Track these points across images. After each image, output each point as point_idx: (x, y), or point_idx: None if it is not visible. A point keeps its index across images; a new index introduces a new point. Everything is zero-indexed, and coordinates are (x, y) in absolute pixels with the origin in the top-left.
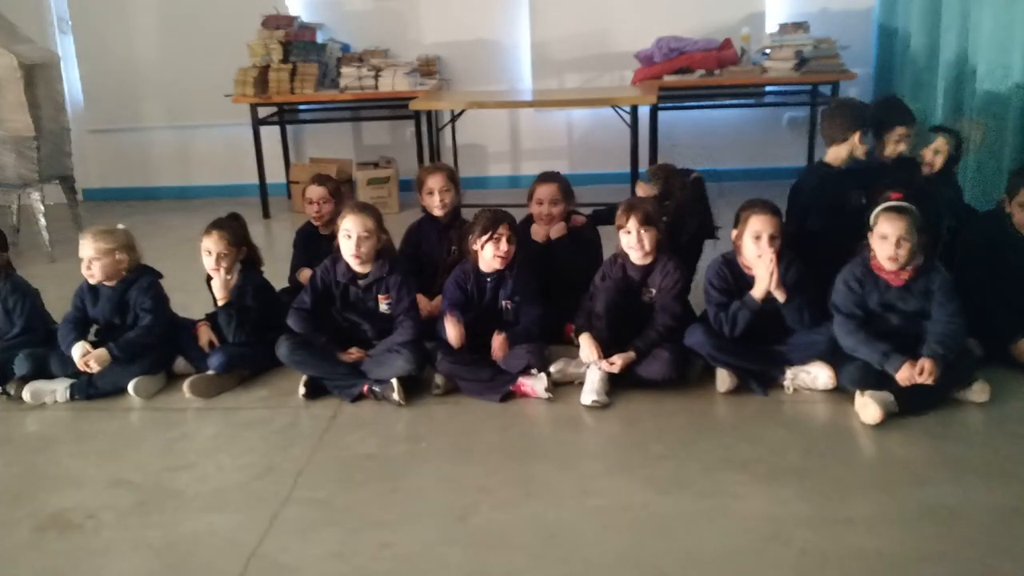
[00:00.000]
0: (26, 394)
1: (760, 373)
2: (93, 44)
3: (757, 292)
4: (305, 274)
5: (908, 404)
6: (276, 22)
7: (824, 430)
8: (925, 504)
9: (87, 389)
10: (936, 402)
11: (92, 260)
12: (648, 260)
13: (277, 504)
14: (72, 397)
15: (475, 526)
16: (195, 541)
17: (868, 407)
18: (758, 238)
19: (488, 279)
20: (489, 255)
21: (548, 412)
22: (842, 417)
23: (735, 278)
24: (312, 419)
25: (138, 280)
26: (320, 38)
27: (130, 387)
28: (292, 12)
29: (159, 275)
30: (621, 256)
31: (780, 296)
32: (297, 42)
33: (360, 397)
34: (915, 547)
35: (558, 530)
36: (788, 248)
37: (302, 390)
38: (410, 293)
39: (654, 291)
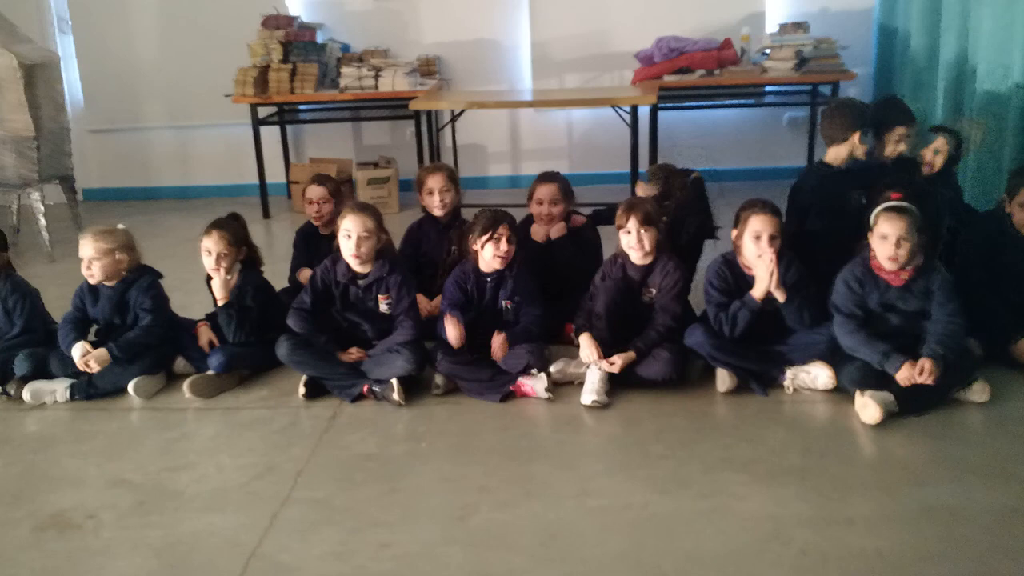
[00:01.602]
0: (26, 394)
1: (760, 373)
2: (93, 44)
3: (757, 292)
4: (305, 274)
5: (908, 404)
6: (276, 22)
7: (824, 430)
8: (925, 504)
9: (87, 389)
10: (936, 402)
11: (92, 260)
12: (648, 260)
13: (277, 504)
14: (72, 397)
15: (475, 526)
16: (195, 541)
17: (868, 407)
18: (758, 238)
19: (488, 279)
20: (489, 255)
21: (548, 412)
22: (842, 417)
23: (735, 278)
24: (312, 419)
25: (138, 280)
26: (320, 38)
27: (130, 387)
28: (292, 12)
29: (159, 275)
30: (621, 256)
31: (780, 296)
32: (297, 42)
33: (360, 397)
34: (915, 547)
35: (558, 530)
36: (788, 248)
37: (302, 390)
38: (410, 293)
39: (654, 291)
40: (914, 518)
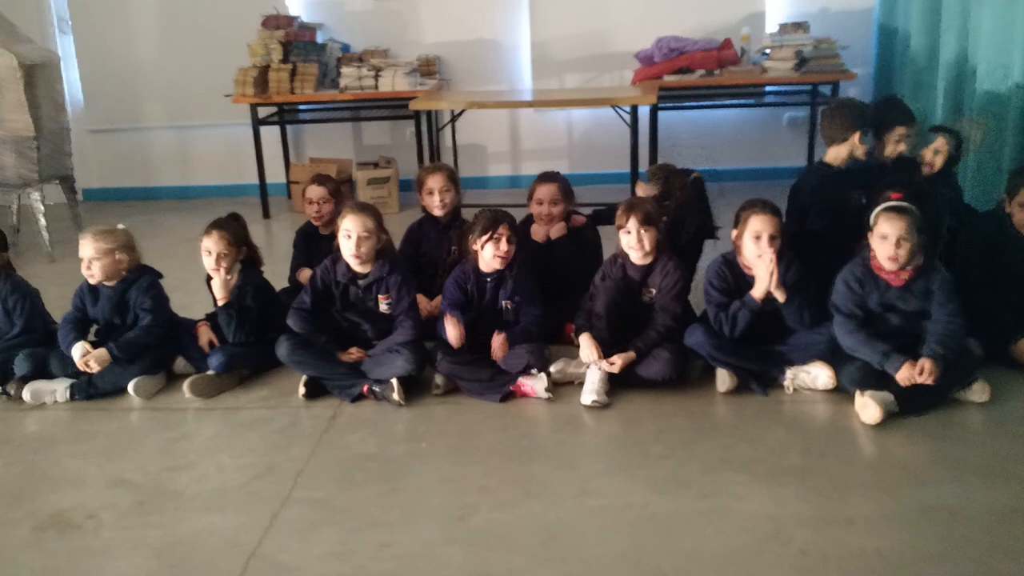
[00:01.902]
0: (26, 394)
1: (760, 373)
2: (93, 44)
3: (757, 292)
4: (305, 274)
5: (908, 404)
6: (276, 22)
7: (824, 430)
8: (925, 504)
9: (87, 389)
10: (936, 402)
11: (92, 260)
12: (648, 260)
13: (277, 504)
14: (72, 397)
15: (475, 526)
16: (195, 541)
17: (868, 407)
18: (758, 238)
19: (488, 279)
20: (489, 255)
21: (548, 412)
22: (842, 417)
23: (735, 278)
24: (312, 419)
25: (138, 280)
26: (320, 38)
27: (130, 387)
28: (292, 12)
29: (159, 275)
30: (621, 256)
31: (780, 296)
32: (297, 42)
33: (360, 397)
34: (915, 547)
35: (558, 530)
36: (788, 248)
37: (302, 390)
38: (410, 293)
39: (654, 291)
40: (914, 518)
